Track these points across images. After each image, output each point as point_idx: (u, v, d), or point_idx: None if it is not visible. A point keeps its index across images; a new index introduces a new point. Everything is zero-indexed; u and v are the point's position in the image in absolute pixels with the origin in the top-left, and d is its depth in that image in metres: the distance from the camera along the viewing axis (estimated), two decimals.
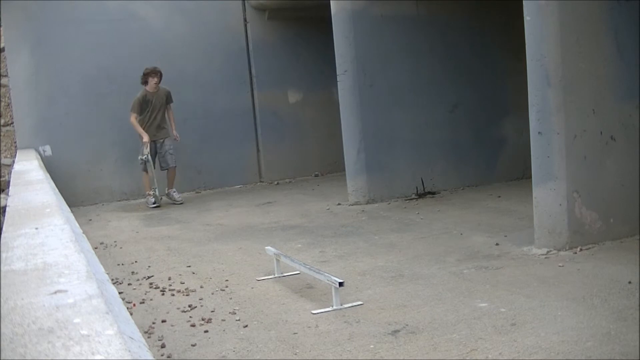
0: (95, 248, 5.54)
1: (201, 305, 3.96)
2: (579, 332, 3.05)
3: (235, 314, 3.75)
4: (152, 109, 7.90)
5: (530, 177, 4.69)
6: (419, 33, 7.16)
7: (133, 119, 7.78)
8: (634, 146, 4.67)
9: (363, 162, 6.97)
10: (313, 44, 9.37)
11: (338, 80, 7.03)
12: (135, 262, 5.25)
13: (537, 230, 4.62)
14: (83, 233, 3.37)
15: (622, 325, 3.09)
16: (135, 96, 7.81)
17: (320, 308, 3.71)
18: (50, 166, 7.63)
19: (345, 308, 3.69)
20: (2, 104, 8.66)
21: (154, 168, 8.05)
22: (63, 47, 8.43)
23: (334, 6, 6.91)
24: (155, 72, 7.82)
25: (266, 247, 4.77)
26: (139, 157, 7.89)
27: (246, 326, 3.53)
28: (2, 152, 8.71)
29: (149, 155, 7.89)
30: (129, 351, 1.20)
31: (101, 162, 8.69)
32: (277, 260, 4.49)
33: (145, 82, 7.85)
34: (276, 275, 4.47)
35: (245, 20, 9.31)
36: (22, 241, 2.39)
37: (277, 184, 9.35)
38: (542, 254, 4.45)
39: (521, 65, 4.91)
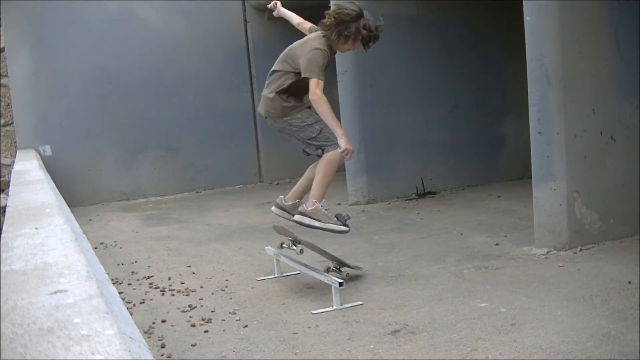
0: (95, 248, 5.54)
1: (201, 305, 3.95)
2: (579, 332, 3.05)
3: (235, 314, 3.75)
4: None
5: (530, 177, 4.69)
6: (418, 33, 7.16)
7: (321, 90, 3.87)
8: (634, 146, 4.67)
9: (363, 162, 6.97)
10: None
11: (338, 80, 7.03)
12: (135, 262, 5.25)
13: (537, 230, 4.62)
14: (83, 233, 3.38)
15: (622, 325, 3.09)
16: (314, 46, 3.96)
17: (320, 308, 3.71)
18: (50, 166, 7.63)
19: (345, 308, 3.69)
20: (2, 104, 8.66)
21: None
22: (63, 47, 8.44)
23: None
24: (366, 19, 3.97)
25: (266, 247, 4.77)
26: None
27: (246, 326, 3.53)
28: (2, 152, 8.72)
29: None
30: (129, 351, 1.20)
31: (101, 162, 8.69)
32: (277, 260, 4.48)
33: (339, 34, 3.95)
34: (276, 275, 4.46)
35: (245, 20, 9.32)
36: (22, 241, 2.39)
37: (277, 184, 9.35)
38: (542, 254, 4.45)
39: (521, 65, 4.91)
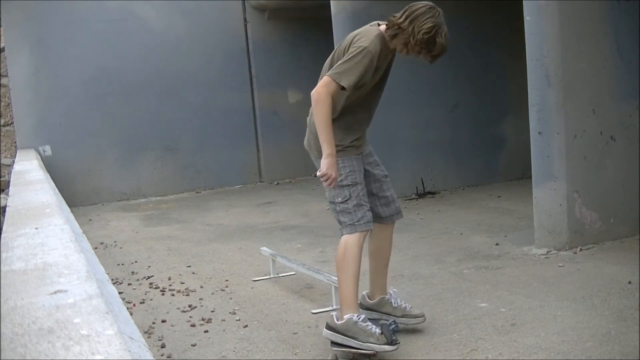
0: (95, 248, 5.54)
1: (201, 305, 3.95)
2: (579, 332, 3.05)
3: (235, 314, 3.75)
4: (376, 89, 3.19)
5: (530, 177, 4.69)
6: None
7: (329, 92, 2.95)
8: (634, 146, 4.67)
9: None
10: (313, 44, 9.36)
11: None
12: (135, 262, 5.25)
13: (537, 230, 4.62)
14: (83, 233, 3.37)
15: (622, 325, 3.09)
16: (362, 44, 2.95)
17: (320, 308, 3.71)
18: (50, 166, 7.63)
19: None
20: (2, 104, 8.66)
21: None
22: (63, 47, 8.44)
23: (334, 6, 6.91)
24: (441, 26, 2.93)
25: (261, 248, 4.76)
26: (341, 201, 3.12)
27: (246, 326, 3.53)
28: (2, 152, 8.72)
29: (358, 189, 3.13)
30: (129, 351, 1.20)
31: (101, 162, 8.70)
32: (273, 261, 4.48)
33: (395, 33, 2.97)
34: (272, 275, 4.46)
35: (245, 20, 9.32)
36: (22, 241, 2.39)
37: (277, 184, 9.35)
38: (542, 254, 4.45)
39: (521, 65, 4.91)
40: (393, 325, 3.10)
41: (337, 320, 3.00)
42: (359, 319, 2.99)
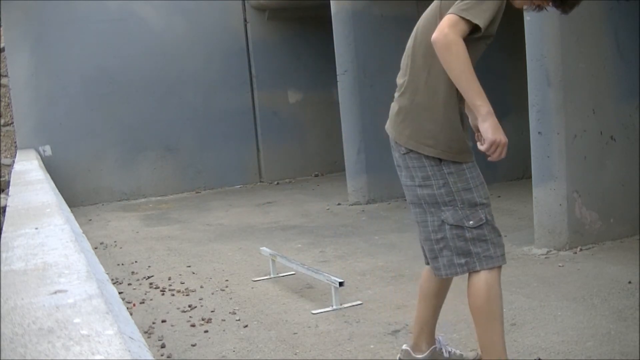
0: (95, 248, 5.54)
1: (201, 305, 3.96)
2: (579, 332, 3.05)
3: (235, 314, 3.75)
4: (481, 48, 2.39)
5: (530, 177, 4.69)
6: None
7: (458, 34, 2.12)
8: (634, 146, 4.67)
9: (363, 162, 6.96)
10: (313, 44, 9.37)
11: (338, 80, 7.03)
12: (135, 262, 5.25)
13: (537, 230, 4.62)
14: (83, 233, 3.37)
15: (622, 325, 3.09)
16: None
17: (320, 308, 3.71)
18: (50, 166, 7.63)
19: (345, 308, 3.69)
20: (2, 104, 8.66)
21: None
22: (63, 47, 8.44)
23: (334, 6, 6.91)
24: None
25: (261, 248, 4.76)
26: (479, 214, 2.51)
27: (246, 326, 3.53)
28: (2, 152, 8.72)
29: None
30: (129, 351, 1.20)
31: (101, 162, 8.70)
32: (273, 261, 4.48)
33: None
34: (272, 275, 4.46)
35: (245, 20, 9.32)
36: (22, 241, 2.39)
37: (277, 184, 9.35)
38: (542, 254, 4.45)
39: (521, 66, 4.90)
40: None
41: None
42: None
